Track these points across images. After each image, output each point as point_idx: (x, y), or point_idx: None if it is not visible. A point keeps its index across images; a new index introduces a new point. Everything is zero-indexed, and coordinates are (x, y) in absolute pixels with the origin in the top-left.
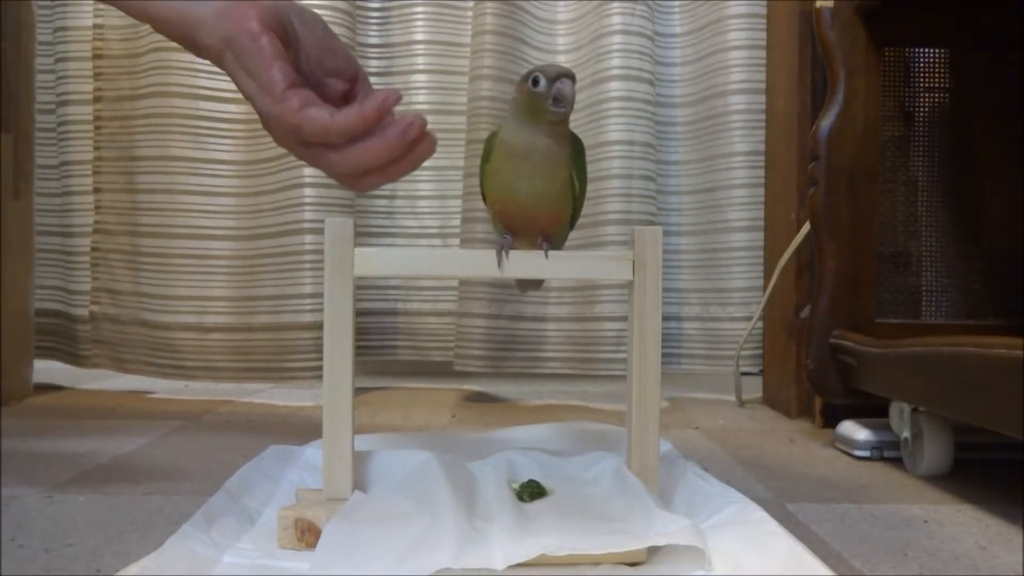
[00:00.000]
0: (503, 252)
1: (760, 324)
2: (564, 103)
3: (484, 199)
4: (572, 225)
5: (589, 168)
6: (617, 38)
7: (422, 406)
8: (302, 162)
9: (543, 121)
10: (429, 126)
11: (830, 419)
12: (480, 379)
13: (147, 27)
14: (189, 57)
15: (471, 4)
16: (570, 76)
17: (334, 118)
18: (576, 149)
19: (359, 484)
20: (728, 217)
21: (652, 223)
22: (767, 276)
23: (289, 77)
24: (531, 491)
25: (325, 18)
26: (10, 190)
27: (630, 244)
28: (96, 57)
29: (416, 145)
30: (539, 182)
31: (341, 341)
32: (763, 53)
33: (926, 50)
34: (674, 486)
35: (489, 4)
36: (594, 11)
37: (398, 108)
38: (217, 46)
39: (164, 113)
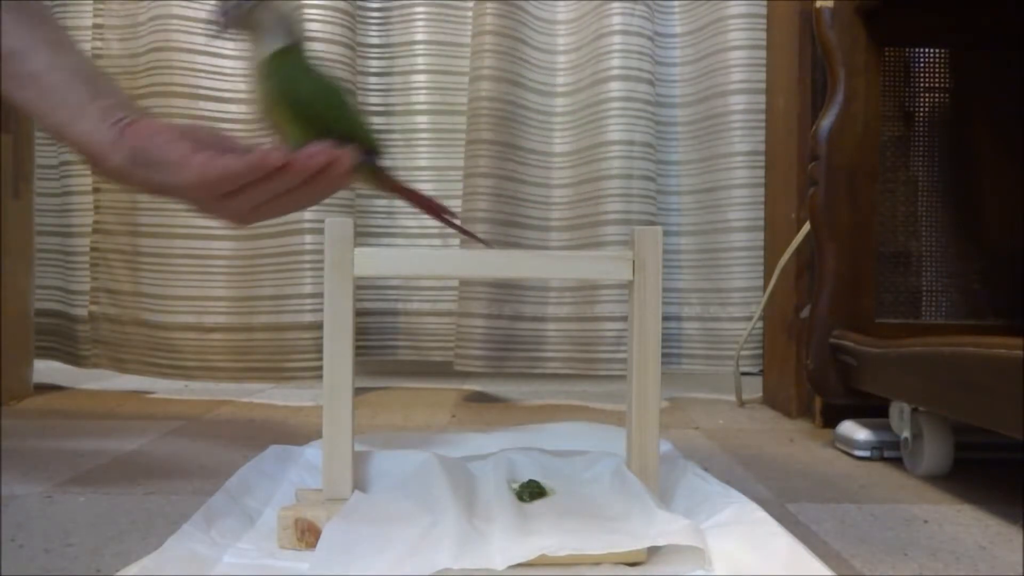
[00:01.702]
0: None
1: (760, 324)
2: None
3: None
4: (370, 154)
5: (588, 168)
6: (617, 38)
7: (422, 406)
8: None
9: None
10: (428, 126)
11: (830, 419)
12: (480, 379)
13: (147, 27)
14: (189, 57)
15: (471, 4)
16: None
17: (226, 160)
18: (279, 56)
19: (359, 484)
20: (728, 217)
21: (652, 223)
22: (767, 276)
23: (189, 146)
24: (531, 491)
25: (325, 18)
26: (10, 190)
27: (630, 244)
28: (96, 57)
29: (319, 177)
30: (260, 106)
31: (341, 341)
32: (763, 53)
33: (926, 50)
34: (674, 486)
35: (489, 4)
36: (594, 11)
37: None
38: (124, 165)
39: (164, 113)
